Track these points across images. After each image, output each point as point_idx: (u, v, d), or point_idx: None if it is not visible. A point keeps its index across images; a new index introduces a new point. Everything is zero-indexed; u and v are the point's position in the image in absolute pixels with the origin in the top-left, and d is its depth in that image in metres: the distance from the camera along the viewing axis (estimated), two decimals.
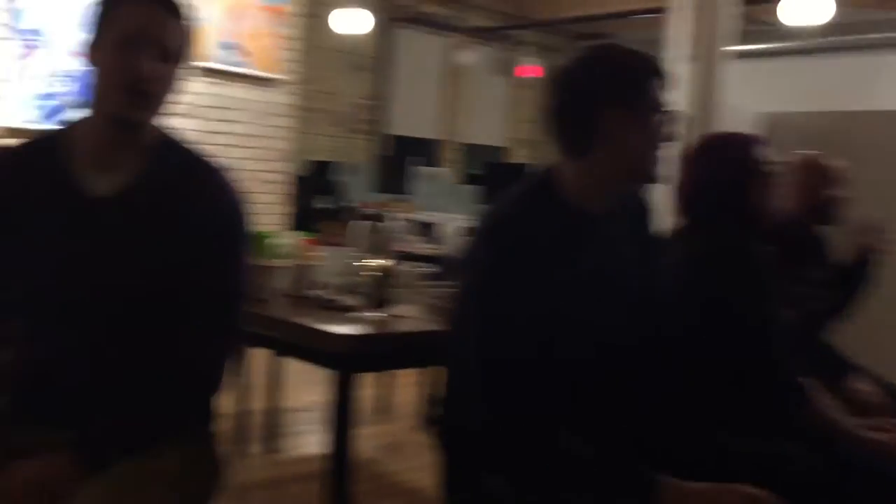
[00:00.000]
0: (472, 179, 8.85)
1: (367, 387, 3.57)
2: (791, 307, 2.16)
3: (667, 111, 1.47)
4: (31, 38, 4.43)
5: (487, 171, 7.86)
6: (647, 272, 1.59)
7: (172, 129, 1.45)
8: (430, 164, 9.27)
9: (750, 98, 3.99)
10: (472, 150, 10.57)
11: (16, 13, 4.37)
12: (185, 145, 1.45)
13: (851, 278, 2.67)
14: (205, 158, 1.45)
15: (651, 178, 1.50)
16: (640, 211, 1.63)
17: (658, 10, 4.17)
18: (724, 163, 1.93)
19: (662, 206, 1.81)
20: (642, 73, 1.46)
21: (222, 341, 1.40)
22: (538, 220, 1.43)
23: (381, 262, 1.84)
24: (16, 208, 1.37)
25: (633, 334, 1.53)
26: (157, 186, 1.37)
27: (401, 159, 8.50)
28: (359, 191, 7.62)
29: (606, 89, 1.43)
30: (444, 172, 8.79)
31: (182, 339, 1.35)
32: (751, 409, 1.79)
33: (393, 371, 3.46)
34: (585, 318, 1.43)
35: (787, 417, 1.80)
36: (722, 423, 1.72)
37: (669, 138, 1.48)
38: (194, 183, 1.40)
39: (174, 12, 1.36)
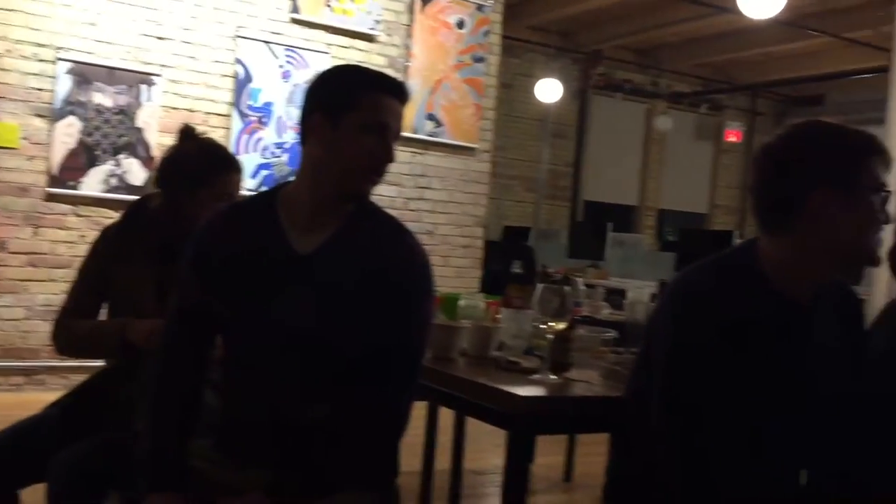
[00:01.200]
0: (667, 246, 8.65)
1: (552, 454, 3.56)
2: None
3: (887, 191, 1.40)
4: (261, 115, 4.93)
5: (683, 237, 7.64)
6: (850, 368, 1.49)
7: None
8: (626, 230, 9.16)
9: None
10: (671, 217, 10.35)
11: (253, 92, 4.90)
12: (379, 209, 1.55)
13: None
14: (395, 221, 1.54)
15: (869, 263, 1.43)
16: (848, 301, 1.53)
17: (880, 70, 3.94)
18: None
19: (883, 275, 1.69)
20: (858, 151, 1.39)
21: (408, 395, 1.47)
22: (734, 297, 1.38)
23: (561, 325, 1.85)
24: (234, 258, 1.49)
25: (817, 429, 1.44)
26: (352, 246, 1.47)
27: (597, 225, 8.48)
28: (553, 256, 7.67)
29: (821, 168, 1.38)
30: (640, 239, 8.64)
31: (375, 390, 1.42)
32: None
33: (579, 439, 3.43)
34: (763, 406, 1.37)
35: None
36: None
37: (888, 220, 1.40)
38: (384, 244, 1.49)
39: (405, 100, 1.49)
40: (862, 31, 7.32)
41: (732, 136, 10.35)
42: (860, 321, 1.54)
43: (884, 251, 1.49)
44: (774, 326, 1.38)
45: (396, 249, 1.49)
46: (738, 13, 5.02)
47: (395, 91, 1.47)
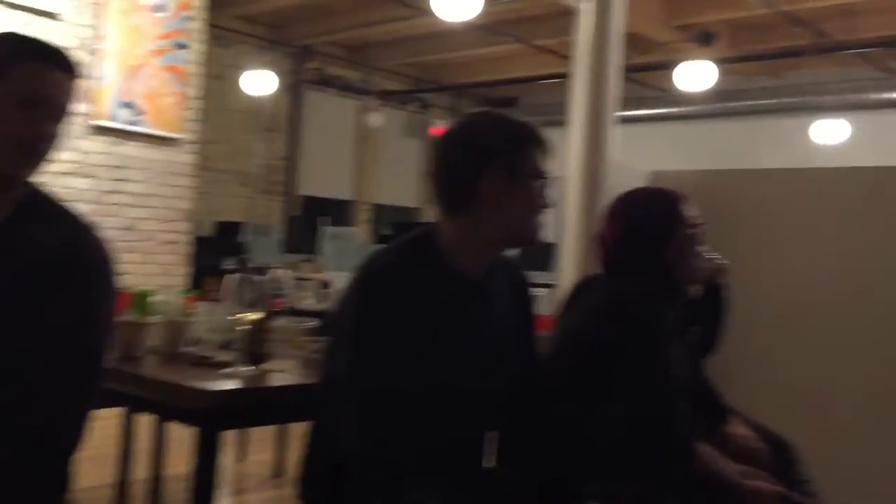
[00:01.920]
0: (382, 239, 8.87)
1: (265, 451, 3.49)
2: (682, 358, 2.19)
3: (546, 178, 1.52)
4: None
5: (396, 230, 7.90)
6: (523, 334, 1.61)
7: (43, 184, 1.41)
8: (341, 224, 9.26)
9: (647, 159, 4.15)
10: (385, 211, 10.63)
11: None
12: (55, 200, 1.41)
13: (708, 309, 2.73)
14: (70, 212, 1.41)
15: (530, 242, 1.55)
16: (516, 276, 1.65)
17: (563, 76, 4.33)
18: (646, 217, 1.99)
19: (569, 260, 1.84)
20: (521, 140, 1.50)
21: (75, 402, 1.34)
22: (413, 273, 1.44)
23: (257, 316, 1.81)
24: None
25: (503, 394, 1.54)
26: (18, 237, 1.33)
27: (312, 220, 8.48)
28: (267, 251, 7.54)
29: (487, 152, 1.48)
30: (354, 232, 8.78)
31: (30, 400, 1.28)
32: (638, 461, 1.80)
33: (292, 434, 3.39)
34: (448, 377, 1.44)
35: (676, 469, 1.82)
36: (609, 474, 1.73)
37: (549, 204, 1.52)
38: (53, 236, 1.36)
39: (70, 72, 1.35)
40: (548, 39, 8.00)
41: (437, 133, 10.88)
42: (527, 294, 1.66)
43: (547, 233, 1.62)
44: (453, 301, 1.46)
45: (68, 242, 1.37)
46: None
47: (53, 60, 1.34)
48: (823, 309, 3.41)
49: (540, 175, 1.50)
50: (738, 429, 2.43)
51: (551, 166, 1.56)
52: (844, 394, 3.32)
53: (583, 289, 1.96)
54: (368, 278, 1.45)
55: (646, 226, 1.95)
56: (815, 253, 3.46)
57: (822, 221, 3.48)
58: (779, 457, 2.42)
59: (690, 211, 2.00)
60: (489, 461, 1.57)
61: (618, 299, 1.86)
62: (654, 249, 1.92)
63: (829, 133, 7.43)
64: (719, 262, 2.73)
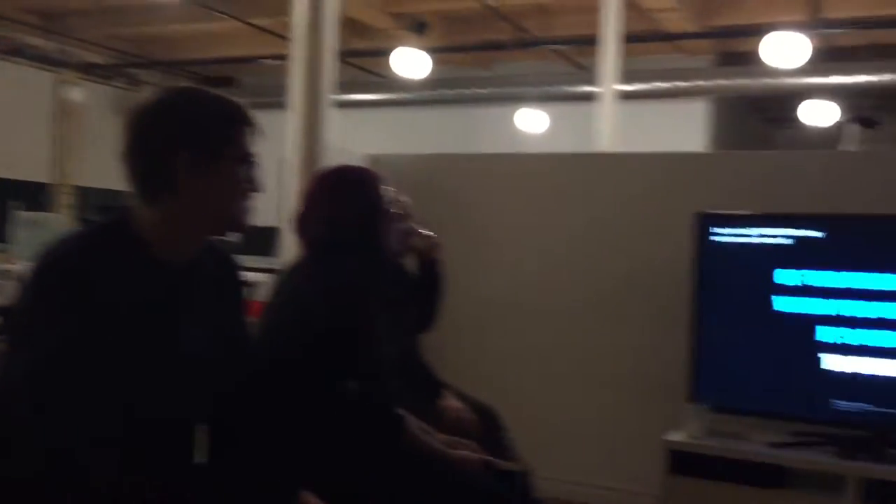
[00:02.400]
0: (86, 225, 8.19)
1: None
2: (392, 335, 2.26)
3: (253, 160, 1.44)
4: None
5: (105, 215, 7.30)
6: (232, 323, 1.55)
7: None
8: (37, 209, 8.38)
9: (367, 144, 4.20)
10: (91, 195, 9.80)
11: None
12: None
13: (423, 288, 2.86)
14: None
15: (235, 228, 1.47)
16: (226, 264, 1.58)
17: (282, 57, 4.23)
18: (345, 195, 1.97)
19: (290, 245, 1.78)
20: (226, 119, 1.42)
21: None
22: (98, 262, 1.32)
23: None
24: None
25: (211, 386, 1.47)
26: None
27: (2, 205, 7.58)
28: None
29: (186, 132, 1.37)
30: (53, 218, 7.99)
31: None
32: (351, 438, 1.82)
33: None
34: (147, 371, 1.35)
35: (386, 444, 1.87)
36: (321, 452, 1.73)
37: (256, 188, 1.45)
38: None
39: None
40: (267, 19, 7.82)
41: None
42: (236, 281, 1.60)
43: (259, 217, 1.57)
44: (150, 292, 1.35)
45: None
46: None
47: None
48: (529, 286, 3.69)
49: (246, 157, 1.43)
50: (451, 402, 2.57)
51: (259, 148, 1.50)
52: (547, 366, 3.62)
53: (289, 274, 1.93)
54: (45, 269, 1.31)
55: (345, 204, 1.96)
56: (521, 232, 3.73)
57: (525, 202, 3.75)
58: (487, 425, 2.60)
59: (388, 188, 2.05)
60: (200, 455, 1.50)
61: (324, 284, 1.86)
62: (354, 228, 1.95)
63: (532, 123, 8.03)
64: (433, 238, 2.85)
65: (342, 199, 1.96)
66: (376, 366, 1.88)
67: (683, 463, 2.88)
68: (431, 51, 6.67)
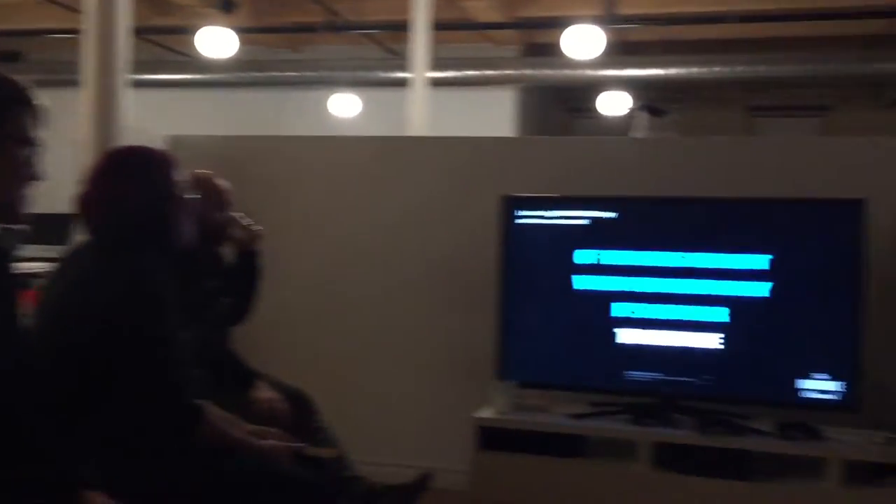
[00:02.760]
0: None
1: None
2: (193, 324, 2.18)
3: (35, 144, 1.32)
4: None
5: None
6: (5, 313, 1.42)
7: None
8: None
9: (171, 125, 3.98)
10: None
11: None
12: None
13: (238, 279, 2.78)
14: None
15: (12, 217, 1.34)
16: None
17: (74, 31, 3.92)
18: (135, 177, 1.86)
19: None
20: (3, 100, 1.29)
21: None
22: None
23: None
24: None
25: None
26: None
27: None
28: None
29: None
30: None
31: None
32: (147, 430, 1.74)
33: None
34: None
35: (183, 436, 1.80)
36: (119, 443, 1.65)
37: (37, 175, 1.34)
38: None
39: None
40: None
41: None
42: (8, 271, 1.47)
43: (44, 204, 1.45)
44: None
45: None
46: None
47: None
48: (340, 270, 3.66)
49: (26, 141, 1.32)
50: (263, 393, 2.52)
51: (47, 130, 1.38)
52: (361, 349, 3.62)
53: (72, 261, 1.81)
54: None
55: (130, 187, 1.86)
56: (331, 216, 3.69)
57: (335, 186, 3.71)
58: (300, 412, 2.57)
59: (181, 173, 1.96)
60: None
61: (111, 273, 1.75)
62: (141, 214, 1.85)
63: (344, 107, 7.97)
64: (255, 229, 2.76)
65: (127, 181, 1.85)
66: (170, 359, 1.79)
67: (492, 438, 2.98)
68: (240, 31, 6.45)
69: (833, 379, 2.86)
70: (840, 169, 3.15)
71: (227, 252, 2.80)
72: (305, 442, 2.17)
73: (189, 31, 6.68)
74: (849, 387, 2.85)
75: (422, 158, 3.68)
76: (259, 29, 7.90)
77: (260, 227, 2.79)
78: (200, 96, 8.82)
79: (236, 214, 2.75)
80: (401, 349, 3.57)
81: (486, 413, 3.05)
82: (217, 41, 6.21)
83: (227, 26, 6.27)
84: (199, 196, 2.36)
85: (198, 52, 6.58)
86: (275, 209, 3.50)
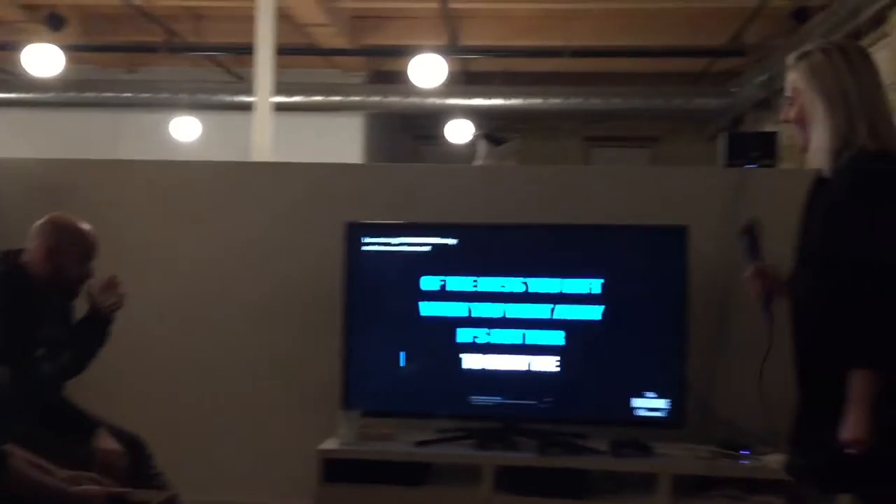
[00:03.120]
0: None
1: None
2: (24, 369, 2.11)
3: None
4: None
5: None
6: None
7: None
8: None
9: None
10: None
11: None
12: None
13: (84, 337, 2.67)
14: None
15: None
16: None
17: None
18: None
19: None
20: None
21: None
22: None
23: None
24: None
25: None
26: None
27: None
28: None
29: None
30: None
31: None
32: None
33: None
34: None
35: None
36: None
37: None
38: None
39: None
40: None
41: None
42: None
43: None
44: None
45: None
46: None
47: None
48: (182, 297, 3.51)
49: None
50: (103, 441, 2.42)
51: None
52: (202, 380, 3.48)
53: None
54: None
55: None
56: (171, 243, 3.54)
57: (174, 211, 3.57)
58: (134, 457, 2.48)
59: None
60: None
61: None
62: None
63: (184, 130, 7.71)
64: (112, 298, 2.65)
65: None
66: None
67: (336, 470, 2.93)
68: (69, 49, 6.13)
69: (661, 397, 3.02)
70: (665, 197, 3.34)
71: (81, 304, 2.68)
72: (139, 488, 2.12)
73: (14, 48, 6.29)
74: (675, 404, 3.01)
75: (266, 184, 3.60)
76: (91, 47, 7.54)
77: (120, 296, 2.69)
78: (25, 117, 8.29)
79: (99, 280, 2.65)
80: (244, 381, 3.46)
81: (331, 444, 3.00)
82: (44, 59, 5.86)
83: (56, 44, 5.94)
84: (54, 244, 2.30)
85: (22, 71, 6.20)
86: (108, 236, 3.32)
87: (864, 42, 7.02)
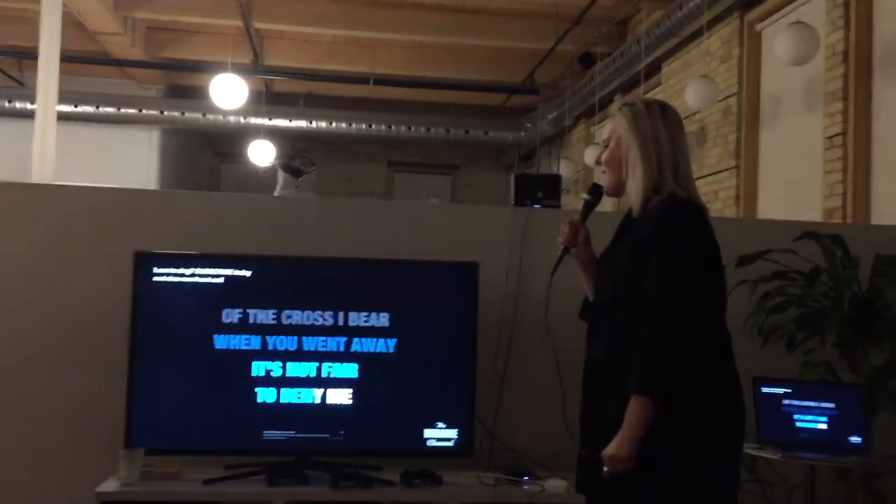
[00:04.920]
0: None
1: None
2: None
3: None
4: None
5: None
6: None
7: None
8: None
9: None
10: None
11: None
12: None
13: None
14: None
15: None
16: None
17: None
18: None
19: None
20: None
21: None
22: None
23: None
24: None
25: None
26: None
27: None
28: None
29: None
30: None
31: None
32: None
33: None
34: None
35: None
36: None
37: None
38: None
39: None
40: None
41: None
42: None
43: None
44: None
45: None
46: None
47: None
48: None
49: None
50: None
51: None
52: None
53: None
54: None
55: None
56: None
57: None
58: None
59: None
60: None
61: None
62: None
63: None
64: None
65: None
66: None
67: None
68: None
69: (451, 427, 3.14)
70: (460, 232, 3.49)
71: None
72: None
73: None
74: (464, 433, 3.14)
75: (47, 208, 3.38)
76: None
77: None
78: None
79: None
80: (22, 417, 3.21)
81: (109, 486, 2.85)
82: None
83: None
84: None
85: None
86: None
87: (641, 90, 7.70)
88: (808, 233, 3.22)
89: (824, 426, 2.86)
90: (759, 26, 6.46)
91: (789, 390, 2.90)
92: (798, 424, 2.88)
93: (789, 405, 2.90)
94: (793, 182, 5.97)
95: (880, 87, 5.17)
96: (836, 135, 5.29)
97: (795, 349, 3.24)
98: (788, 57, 5.06)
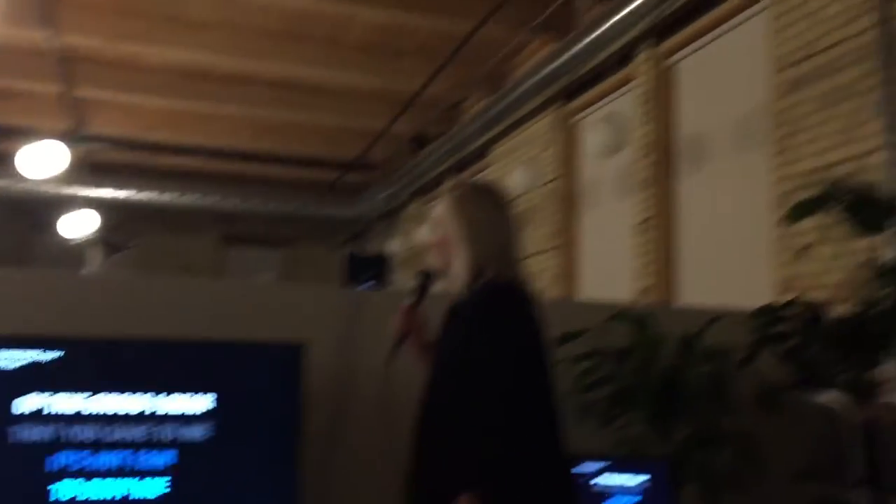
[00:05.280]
0: None
1: None
2: None
3: None
4: None
5: None
6: None
7: None
8: None
9: None
10: None
11: None
12: None
13: None
14: None
15: None
16: None
17: None
18: None
19: None
20: None
21: None
22: None
23: None
24: None
25: None
26: None
27: None
28: None
29: None
30: None
31: None
32: None
33: None
34: None
35: None
36: None
37: None
38: None
39: None
40: None
41: None
42: None
43: None
44: None
45: None
46: None
47: None
48: None
49: None
50: None
51: None
52: None
53: None
54: None
55: None
56: None
57: None
58: None
59: None
60: None
61: None
62: None
63: None
64: None
65: None
66: None
67: None
68: None
69: None
70: (288, 312, 3.42)
71: None
72: None
73: None
74: None
75: None
76: None
77: None
78: None
79: None
80: None
81: None
82: None
83: None
84: None
85: None
86: None
87: (468, 172, 7.99)
88: (619, 314, 3.40)
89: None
90: (577, 117, 6.90)
91: (601, 466, 3.01)
92: None
93: (600, 485, 3.00)
94: (609, 263, 6.33)
95: (683, 178, 5.63)
96: (645, 220, 5.69)
97: (610, 425, 3.38)
98: (598, 150, 5.46)
